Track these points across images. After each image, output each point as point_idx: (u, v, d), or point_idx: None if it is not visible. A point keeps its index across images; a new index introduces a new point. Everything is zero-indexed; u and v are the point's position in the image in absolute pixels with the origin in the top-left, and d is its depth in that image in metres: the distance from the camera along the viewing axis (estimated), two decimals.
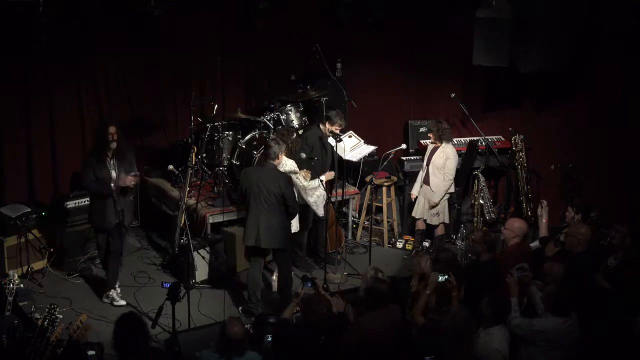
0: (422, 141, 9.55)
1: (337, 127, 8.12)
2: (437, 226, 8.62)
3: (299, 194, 7.70)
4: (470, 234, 7.26)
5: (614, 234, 6.96)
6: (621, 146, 8.36)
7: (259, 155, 8.12)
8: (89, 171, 7.19)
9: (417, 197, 8.66)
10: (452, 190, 8.53)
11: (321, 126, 8.16)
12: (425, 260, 6.32)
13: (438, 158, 8.41)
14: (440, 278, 5.92)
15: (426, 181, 8.51)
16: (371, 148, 9.09)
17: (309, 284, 5.97)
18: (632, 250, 6.72)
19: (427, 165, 8.50)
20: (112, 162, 7.16)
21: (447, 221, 8.65)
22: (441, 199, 8.44)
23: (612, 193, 8.44)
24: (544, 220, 7.35)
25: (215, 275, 7.97)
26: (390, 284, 5.97)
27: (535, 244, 7.56)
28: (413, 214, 8.75)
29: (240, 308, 7.37)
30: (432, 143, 8.55)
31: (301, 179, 7.70)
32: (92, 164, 7.17)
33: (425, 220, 8.66)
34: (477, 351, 5.57)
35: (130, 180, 7.25)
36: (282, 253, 7.27)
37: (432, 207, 8.48)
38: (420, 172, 8.68)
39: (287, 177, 7.16)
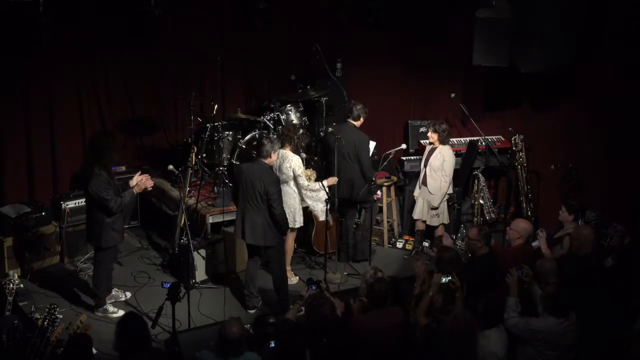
0: (422, 141, 9.53)
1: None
2: (437, 227, 8.62)
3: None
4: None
5: (613, 234, 6.96)
6: (621, 146, 8.35)
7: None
8: (109, 189, 6.70)
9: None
10: (450, 190, 8.52)
11: (355, 122, 8.21)
12: (421, 263, 6.32)
13: (435, 160, 8.39)
14: (443, 279, 5.92)
15: (424, 182, 8.51)
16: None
17: (314, 287, 5.93)
18: (632, 250, 6.72)
19: (425, 166, 8.50)
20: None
21: (446, 221, 8.64)
22: (441, 202, 8.44)
23: (612, 193, 8.43)
24: (544, 250, 7.29)
25: (215, 275, 7.97)
26: (391, 284, 5.95)
27: (536, 243, 7.57)
28: (413, 215, 8.75)
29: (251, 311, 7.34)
30: (430, 144, 8.54)
31: (303, 178, 7.67)
32: (106, 181, 6.74)
33: (424, 221, 8.66)
34: None
35: (149, 180, 6.98)
36: (269, 250, 7.23)
37: (434, 209, 8.47)
38: (420, 174, 8.68)
39: (273, 176, 7.13)
